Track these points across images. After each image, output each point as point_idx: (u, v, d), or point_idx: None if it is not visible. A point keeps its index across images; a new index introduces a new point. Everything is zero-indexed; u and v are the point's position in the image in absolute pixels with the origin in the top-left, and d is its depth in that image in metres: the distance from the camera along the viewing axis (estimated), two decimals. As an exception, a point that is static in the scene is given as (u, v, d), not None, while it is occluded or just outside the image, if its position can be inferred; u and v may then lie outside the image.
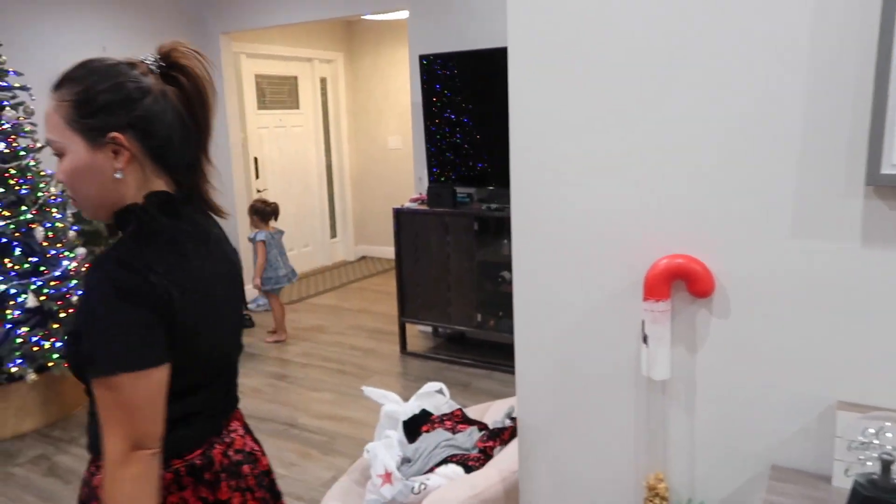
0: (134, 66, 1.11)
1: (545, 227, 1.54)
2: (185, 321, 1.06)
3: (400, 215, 4.30)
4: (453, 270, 4.16)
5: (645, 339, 1.44)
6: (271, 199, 5.04)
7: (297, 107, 6.63)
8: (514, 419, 2.31)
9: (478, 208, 4.08)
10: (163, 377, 1.04)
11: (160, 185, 1.14)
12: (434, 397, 2.50)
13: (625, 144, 1.42)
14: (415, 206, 4.31)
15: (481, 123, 4.16)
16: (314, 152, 6.88)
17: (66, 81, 1.10)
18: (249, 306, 5.53)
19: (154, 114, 1.09)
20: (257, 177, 6.18)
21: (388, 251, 7.30)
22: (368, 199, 7.33)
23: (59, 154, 1.08)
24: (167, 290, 1.03)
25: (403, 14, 5.58)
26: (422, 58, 4.25)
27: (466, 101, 4.19)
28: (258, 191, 6.18)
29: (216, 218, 1.28)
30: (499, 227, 4.07)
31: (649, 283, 1.41)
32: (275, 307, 4.80)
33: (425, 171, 4.56)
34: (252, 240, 4.71)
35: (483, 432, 2.26)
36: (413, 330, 4.76)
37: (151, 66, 1.13)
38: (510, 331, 4.08)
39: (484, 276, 4.10)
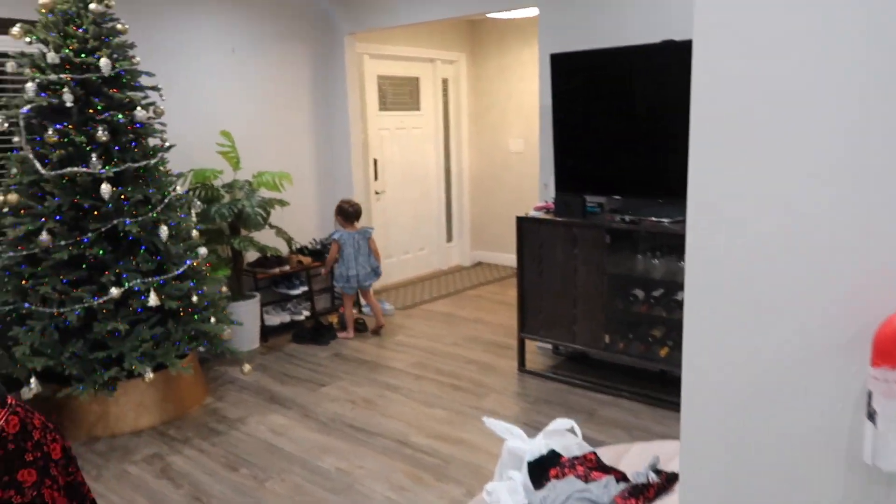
0: None
1: (732, 253, 1.21)
2: None
3: (523, 224, 4.02)
4: (580, 286, 3.83)
5: (871, 417, 1.08)
6: (356, 201, 5.12)
7: (417, 108, 6.51)
8: (659, 472, 1.97)
9: (610, 220, 3.73)
10: None
11: None
12: (564, 436, 2.20)
13: (852, 148, 1.06)
14: (540, 214, 4.01)
15: (616, 128, 3.80)
16: (433, 154, 6.74)
17: None
18: (364, 310, 5.43)
19: None
20: (376, 178, 6.10)
21: (505, 258, 7.03)
22: (487, 204, 7.10)
23: None
24: None
25: (531, 11, 5.29)
26: (553, 57, 3.95)
27: (600, 104, 3.85)
28: (376, 192, 6.10)
29: None
30: (632, 242, 3.70)
31: (883, 343, 1.05)
32: (346, 305, 4.97)
33: (552, 178, 4.26)
34: (330, 238, 5.00)
35: (622, 485, 1.94)
36: (531, 345, 4.47)
37: None
38: (641, 355, 3.69)
39: (614, 294, 3.75)
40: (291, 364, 4.44)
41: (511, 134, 6.76)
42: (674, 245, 3.56)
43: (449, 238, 7.06)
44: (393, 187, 6.31)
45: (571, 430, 2.21)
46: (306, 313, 5.19)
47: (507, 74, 6.68)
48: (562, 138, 4.01)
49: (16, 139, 3.34)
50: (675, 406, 3.48)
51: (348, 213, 4.89)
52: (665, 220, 3.58)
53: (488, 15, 5.39)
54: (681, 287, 3.50)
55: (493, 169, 6.97)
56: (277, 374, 4.25)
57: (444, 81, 6.74)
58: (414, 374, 4.19)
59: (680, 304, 3.50)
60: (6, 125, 3.28)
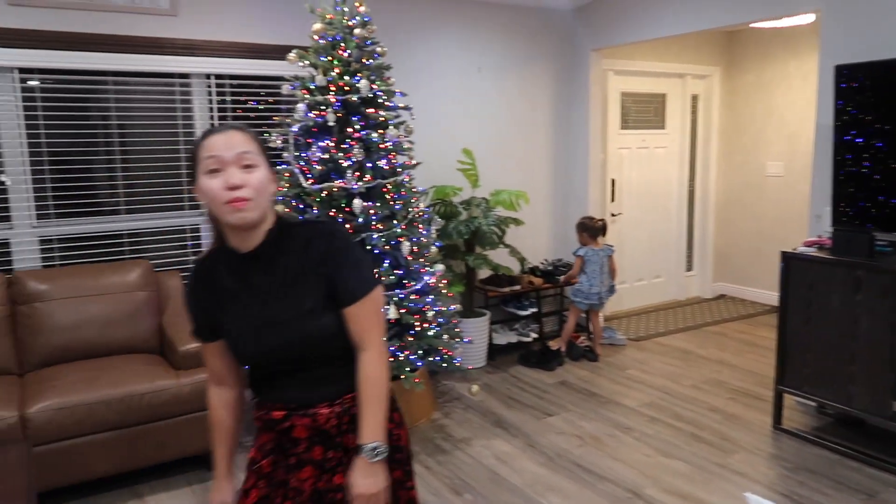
0: None
1: None
2: None
3: (790, 261, 3.49)
4: (862, 339, 3.21)
5: None
6: (599, 217, 4.98)
7: (662, 126, 6.10)
8: None
9: (908, 261, 3.07)
10: None
11: None
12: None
13: None
14: (811, 251, 3.45)
15: (923, 149, 3.13)
16: (676, 176, 6.26)
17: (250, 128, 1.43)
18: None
19: None
20: (613, 199, 5.81)
21: (753, 293, 6.30)
22: (734, 232, 6.42)
23: (251, 165, 1.37)
24: None
25: (805, 19, 4.66)
26: (840, 69, 3.39)
27: (903, 120, 3.21)
28: (612, 214, 5.80)
29: None
30: (940, 290, 3.02)
31: None
32: (570, 319, 4.88)
33: (827, 209, 3.65)
34: (575, 254, 4.84)
35: None
36: (788, 400, 3.86)
37: None
38: (945, 432, 2.98)
39: (909, 353, 3.08)
40: (517, 387, 4.33)
41: (769, 155, 6.04)
42: None
43: (689, 266, 6.51)
44: (630, 209, 5.97)
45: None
46: (534, 335, 5.06)
47: (768, 89, 5.99)
48: (845, 163, 3.42)
49: (286, 154, 3.65)
50: None
51: (594, 228, 4.79)
52: None
53: (752, 25, 4.85)
54: None
55: (743, 193, 6.29)
56: (503, 397, 4.16)
57: (694, 98, 6.24)
58: (648, 416, 3.84)
59: None
60: (279, 142, 3.59)
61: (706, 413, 3.86)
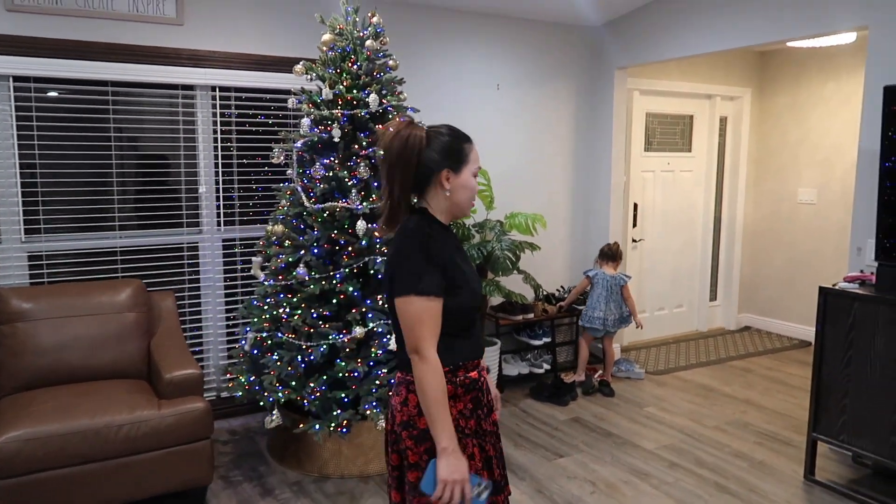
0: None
1: None
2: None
3: (830, 298, 3.21)
4: (908, 387, 2.92)
5: None
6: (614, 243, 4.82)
7: (688, 149, 5.84)
8: None
9: (962, 304, 2.79)
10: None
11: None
12: None
13: None
14: (853, 287, 3.17)
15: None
16: (702, 201, 5.99)
17: None
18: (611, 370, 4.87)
19: None
20: (634, 224, 5.54)
21: (781, 326, 5.98)
22: (762, 261, 6.12)
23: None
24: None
25: (846, 38, 4.41)
26: (889, 90, 3.12)
27: (956, 149, 2.94)
28: (634, 240, 5.54)
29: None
30: None
31: None
32: (581, 347, 4.76)
33: (870, 241, 3.37)
34: (584, 273, 4.73)
35: None
36: (822, 447, 3.56)
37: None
38: None
39: (961, 405, 2.78)
40: (527, 423, 4.07)
41: (801, 182, 5.75)
42: None
43: (713, 297, 6.21)
44: (653, 235, 5.70)
45: None
46: (546, 366, 4.79)
47: (802, 112, 5.71)
48: (891, 190, 3.14)
49: (289, 171, 3.46)
50: None
51: (605, 253, 4.68)
52: None
53: (789, 44, 4.60)
54: None
55: (773, 221, 6.00)
56: (511, 434, 3.89)
57: (723, 120, 5.98)
58: (668, 461, 3.55)
59: None
60: (282, 158, 3.40)
61: (731, 459, 3.57)
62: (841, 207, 5.43)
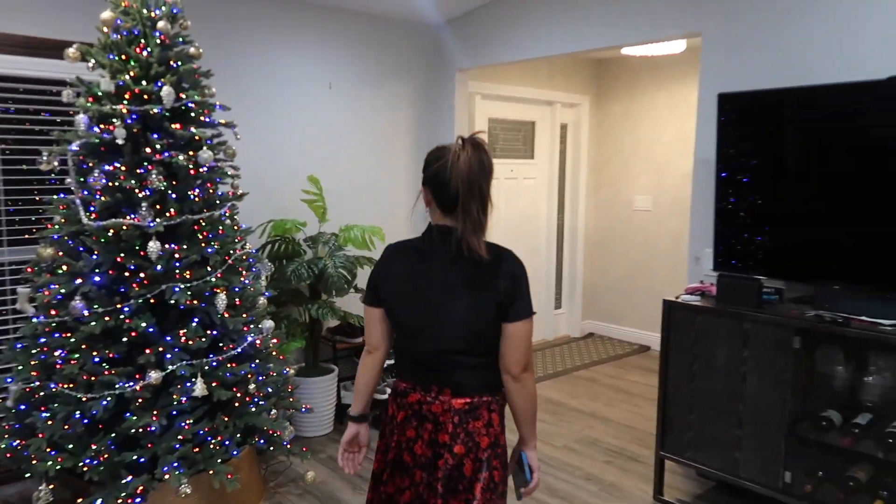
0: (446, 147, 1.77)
1: None
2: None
3: (673, 311, 3.11)
4: (750, 400, 2.86)
5: None
6: None
7: (531, 156, 5.74)
8: None
9: (797, 315, 2.76)
10: None
11: (437, 218, 1.86)
12: None
13: None
14: (695, 299, 3.09)
15: (814, 190, 2.86)
16: (545, 209, 5.92)
17: None
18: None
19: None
20: (480, 234, 5.32)
21: (622, 331, 6.05)
22: (603, 268, 6.17)
23: None
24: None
25: (673, 47, 4.45)
26: (724, 98, 3.08)
27: (792, 158, 2.93)
28: (479, 251, 5.32)
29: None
30: (832, 347, 2.72)
31: None
32: None
33: (707, 251, 3.33)
34: None
35: None
36: (669, 462, 3.48)
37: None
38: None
39: (800, 416, 2.76)
40: (368, 460, 3.65)
41: (636, 189, 5.84)
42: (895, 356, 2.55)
43: (558, 304, 6.17)
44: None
45: None
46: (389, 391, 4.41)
47: (635, 120, 5.81)
48: (728, 200, 3.10)
49: (68, 180, 2.80)
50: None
51: None
52: (884, 321, 2.59)
53: (623, 51, 4.59)
54: (911, 422, 2.50)
55: (612, 228, 6.06)
56: (349, 476, 3.46)
57: (563, 127, 5.95)
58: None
59: (910, 447, 2.49)
60: (55, 163, 2.75)
61: (582, 484, 3.39)
62: (673, 215, 5.56)
